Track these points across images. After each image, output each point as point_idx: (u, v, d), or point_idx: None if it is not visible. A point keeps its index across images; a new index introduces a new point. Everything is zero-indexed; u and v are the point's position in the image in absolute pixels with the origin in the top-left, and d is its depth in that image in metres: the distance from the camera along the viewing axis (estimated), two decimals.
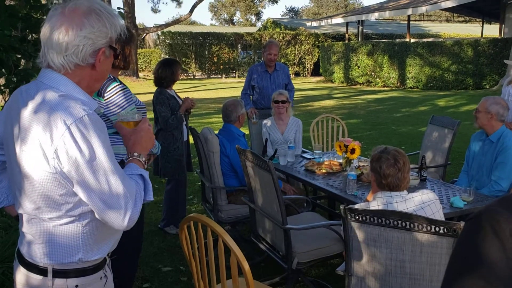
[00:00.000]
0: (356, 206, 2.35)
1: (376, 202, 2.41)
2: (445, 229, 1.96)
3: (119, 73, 3.10)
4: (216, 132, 4.29)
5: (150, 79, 22.92)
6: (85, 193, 1.35)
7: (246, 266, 1.86)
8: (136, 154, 1.54)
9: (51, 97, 1.37)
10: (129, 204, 1.37)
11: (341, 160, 4.19)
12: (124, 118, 1.63)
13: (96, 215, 1.39)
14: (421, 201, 2.36)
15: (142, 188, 1.45)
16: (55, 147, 1.31)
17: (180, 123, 4.32)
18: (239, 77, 26.47)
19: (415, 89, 18.31)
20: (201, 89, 20.46)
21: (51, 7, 1.45)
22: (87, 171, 1.32)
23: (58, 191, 1.37)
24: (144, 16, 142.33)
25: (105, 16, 1.43)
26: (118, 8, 4.11)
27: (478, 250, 0.70)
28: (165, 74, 4.33)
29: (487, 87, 17.18)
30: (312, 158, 4.47)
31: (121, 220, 1.37)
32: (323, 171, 3.99)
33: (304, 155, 4.72)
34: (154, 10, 34.80)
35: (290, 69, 25.24)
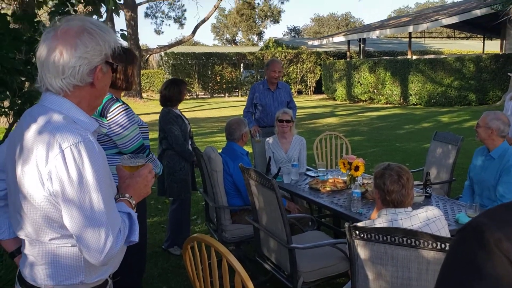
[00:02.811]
0: (361, 224, 2.33)
1: (381, 220, 2.39)
2: None
3: (122, 94, 3.13)
4: (219, 151, 4.29)
5: (153, 100, 23.10)
6: (67, 213, 1.33)
7: (250, 286, 1.83)
8: (127, 195, 1.51)
9: (52, 120, 1.38)
10: (109, 237, 1.32)
11: (345, 178, 4.17)
12: (125, 162, 1.63)
13: (74, 238, 1.35)
14: (426, 217, 2.34)
15: (127, 226, 1.42)
16: (49, 169, 1.32)
17: (190, 155, 4.35)
18: (242, 96, 26.60)
19: (418, 106, 18.33)
20: (204, 108, 20.56)
21: (44, 29, 1.46)
22: (72, 191, 1.31)
23: (55, 214, 1.37)
24: (147, 38, 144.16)
25: (98, 34, 1.43)
26: (121, 30, 4.16)
27: (465, 262, 0.72)
28: (172, 93, 4.37)
29: (490, 102, 17.18)
30: (316, 176, 4.46)
31: (99, 251, 1.32)
32: (328, 189, 3.97)
33: (308, 173, 4.71)
34: (157, 32, 35.34)
35: (292, 87, 25.38)
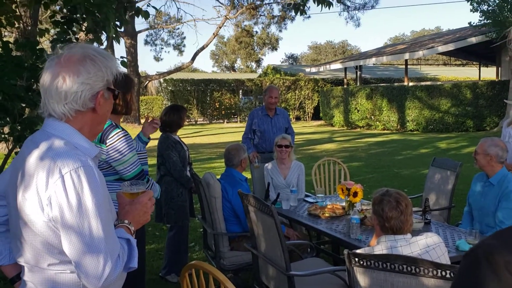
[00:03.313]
0: (360, 251, 2.31)
1: (380, 246, 2.37)
2: (451, 273, 1.92)
3: (121, 120, 3.15)
4: (218, 177, 4.29)
5: None
6: (66, 239, 1.33)
7: None
8: (126, 221, 1.52)
9: (53, 145, 1.40)
10: (108, 263, 1.32)
11: (344, 204, 4.16)
12: (125, 189, 1.64)
13: (73, 265, 1.34)
14: (425, 244, 2.33)
15: (126, 252, 1.43)
16: (49, 194, 1.33)
17: (188, 181, 4.35)
18: (240, 121, 26.72)
19: (415, 132, 18.41)
20: (203, 134, 20.61)
21: (48, 57, 1.50)
22: (71, 217, 1.32)
23: (55, 239, 1.37)
24: (146, 64, 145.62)
25: (100, 60, 1.47)
26: (121, 57, 4.22)
27: (475, 284, 0.72)
28: (173, 119, 4.40)
29: (488, 128, 17.28)
30: (315, 202, 4.45)
31: (97, 277, 1.31)
32: (326, 215, 3.95)
33: (307, 199, 4.70)
34: (157, 59, 35.77)
35: (290, 113, 25.52)
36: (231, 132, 20.45)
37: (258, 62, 56.81)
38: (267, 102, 5.77)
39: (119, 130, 2.80)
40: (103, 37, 4.69)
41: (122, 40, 20.06)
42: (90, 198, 1.33)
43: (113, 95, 1.53)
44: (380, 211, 2.40)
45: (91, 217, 1.32)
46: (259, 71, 48.15)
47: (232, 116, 28.26)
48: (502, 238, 0.74)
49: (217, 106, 27.50)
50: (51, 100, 1.43)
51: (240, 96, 28.47)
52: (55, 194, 1.32)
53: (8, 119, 3.35)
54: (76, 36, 4.30)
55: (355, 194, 3.91)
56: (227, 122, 27.43)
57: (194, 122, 27.21)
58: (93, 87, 1.45)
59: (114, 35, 4.16)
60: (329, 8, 5.24)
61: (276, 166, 4.98)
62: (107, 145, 2.76)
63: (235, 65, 60.09)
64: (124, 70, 4.12)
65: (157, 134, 4.55)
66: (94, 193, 1.34)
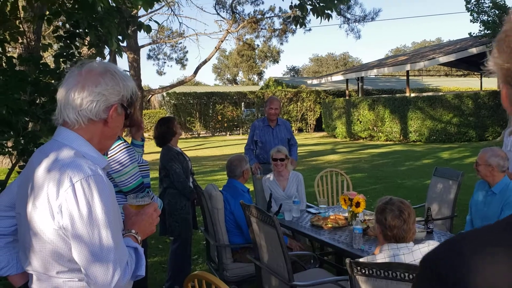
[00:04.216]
0: (362, 260, 2.31)
1: (382, 255, 2.37)
2: None
3: (124, 133, 3.18)
4: (221, 188, 4.29)
5: None
6: (76, 247, 1.35)
7: None
8: (133, 231, 1.55)
9: (63, 155, 1.43)
10: (117, 270, 1.35)
11: (346, 214, 4.15)
12: (131, 201, 1.67)
13: (81, 272, 1.37)
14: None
15: (134, 261, 1.45)
16: (60, 203, 1.35)
17: (190, 192, 4.36)
18: (243, 134, 26.77)
19: (418, 143, 18.39)
20: (205, 146, 20.64)
21: (67, 70, 1.55)
22: (81, 226, 1.34)
23: (64, 247, 1.39)
24: (149, 78, 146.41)
25: (119, 77, 1.53)
26: (124, 71, 4.26)
27: None
28: (163, 129, 4.43)
29: (490, 138, 17.25)
30: (318, 213, 4.44)
31: (106, 285, 1.33)
32: (329, 225, 3.94)
33: (310, 209, 4.69)
34: (159, 73, 35.99)
35: (293, 125, 25.55)
36: (234, 144, 20.47)
37: (260, 74, 57.08)
38: (268, 113, 5.81)
39: (121, 142, 2.83)
40: (106, 51, 4.74)
41: (124, 55, 20.23)
42: (100, 207, 1.36)
43: (125, 113, 1.57)
44: (383, 220, 2.40)
45: (101, 226, 1.35)
46: (261, 83, 48.33)
47: (235, 128, 28.33)
48: (449, 246, 0.71)
49: (220, 119, 27.60)
50: (67, 107, 1.47)
51: (242, 108, 28.57)
52: (66, 203, 1.35)
53: (11, 133, 3.38)
54: (79, 51, 4.35)
55: (358, 205, 3.91)
56: (229, 135, 27.49)
57: (196, 135, 27.28)
58: (108, 99, 1.49)
59: (116, 49, 4.21)
60: (328, 20, 5.28)
61: (274, 178, 4.96)
62: (109, 156, 2.78)
63: (237, 78, 60.39)
64: None
65: (158, 148, 4.58)
66: (104, 202, 1.37)
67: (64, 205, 1.35)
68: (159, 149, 4.56)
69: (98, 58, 4.35)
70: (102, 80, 1.49)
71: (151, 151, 17.20)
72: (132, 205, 1.66)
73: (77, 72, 1.50)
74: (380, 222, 2.43)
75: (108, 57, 5.17)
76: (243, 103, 28.60)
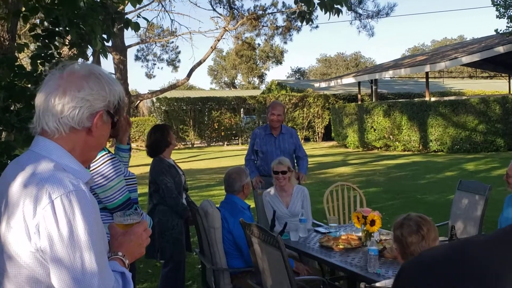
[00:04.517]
0: (379, 284, 2.30)
1: None
2: None
3: (109, 144, 3.17)
4: (218, 205, 4.29)
5: (143, 150, 23.22)
6: (55, 272, 1.34)
7: None
8: (120, 253, 1.54)
9: (41, 168, 1.42)
10: None
11: (360, 234, 4.14)
12: (118, 220, 1.67)
13: None
14: None
15: (120, 287, 1.45)
16: (37, 222, 1.34)
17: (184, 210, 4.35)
18: (242, 144, 26.79)
19: (439, 153, 18.39)
20: (200, 158, 20.65)
21: (46, 73, 1.55)
22: (61, 248, 1.33)
23: (42, 272, 1.38)
24: (137, 82, 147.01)
25: (105, 81, 1.53)
26: (110, 73, 4.27)
27: None
28: (157, 137, 4.42)
29: None
30: (327, 232, 4.42)
31: None
32: (341, 246, 3.93)
33: (318, 229, 4.67)
34: (149, 76, 36.01)
35: (299, 133, 25.55)
36: (232, 155, 20.48)
37: (261, 77, 57.28)
38: (269, 120, 5.78)
39: (104, 153, 2.83)
40: (89, 51, 4.76)
41: (110, 55, 20.31)
42: (83, 227, 1.35)
43: (112, 121, 1.57)
44: (400, 236, 2.40)
45: (84, 248, 1.34)
46: (263, 87, 48.48)
47: (233, 138, 28.37)
48: (416, 261, 0.83)
49: (216, 127, 27.64)
50: (46, 113, 1.47)
51: (242, 115, 28.63)
52: (44, 222, 1.33)
53: None
54: (58, 51, 4.37)
55: (373, 223, 3.89)
56: (227, 145, 27.51)
57: (190, 145, 27.31)
58: (93, 105, 1.49)
59: (101, 49, 4.23)
60: (338, 16, 5.29)
61: (276, 194, 4.93)
62: (91, 169, 2.78)
63: (236, 81, 60.58)
64: None
65: (149, 159, 4.58)
66: (87, 221, 1.36)
67: (42, 225, 1.33)
68: (148, 161, 4.56)
69: (80, 60, 4.36)
70: (86, 84, 1.49)
71: (140, 163, 17.21)
72: (119, 224, 1.65)
73: (58, 75, 1.50)
74: (397, 239, 2.43)
75: (91, 58, 5.19)
76: (242, 109, 28.66)
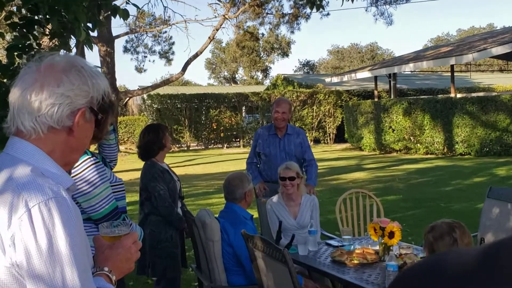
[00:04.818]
0: None
1: None
2: None
3: (94, 147, 3.18)
4: (217, 215, 4.28)
5: (133, 153, 23.29)
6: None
7: None
8: (106, 269, 1.54)
9: (17, 173, 1.41)
10: None
11: (377, 247, 4.13)
12: (104, 231, 1.66)
13: None
14: None
15: None
16: (12, 233, 1.34)
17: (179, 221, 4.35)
18: (244, 146, 26.83)
19: (466, 156, 18.36)
20: (197, 162, 20.67)
21: (23, 66, 1.53)
22: (39, 263, 1.32)
23: None
24: (126, 77, 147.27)
25: (87, 74, 1.52)
26: (95, 67, 4.29)
27: None
28: (150, 139, 4.43)
29: None
30: (340, 246, 4.42)
31: None
32: (355, 262, 3.92)
33: (330, 241, 4.67)
34: (139, 70, 36.00)
35: (307, 135, 25.52)
36: (233, 159, 20.50)
37: (265, 71, 57.38)
38: (274, 119, 5.75)
39: (88, 157, 2.83)
40: (72, 42, 4.77)
41: (95, 47, 20.37)
42: (64, 238, 1.34)
43: (96, 119, 1.56)
44: (430, 238, 2.39)
45: (65, 263, 1.33)
46: (267, 82, 48.60)
47: (234, 139, 28.42)
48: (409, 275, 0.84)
49: (215, 128, 27.68)
50: (22, 111, 1.46)
51: (243, 114, 28.65)
52: (20, 233, 1.33)
53: None
54: (38, 42, 4.38)
55: (391, 235, 3.88)
56: (227, 147, 27.56)
57: (185, 148, 27.35)
58: (74, 101, 1.48)
59: (85, 40, 4.24)
60: (352, 2, 5.30)
61: (282, 203, 4.91)
62: (73, 175, 2.77)
63: (237, 76, 60.75)
64: None
65: (139, 163, 4.58)
66: (69, 232, 1.35)
67: (17, 236, 1.33)
68: (139, 165, 4.57)
69: (62, 51, 4.37)
70: (66, 78, 1.48)
71: (129, 168, 17.24)
72: (105, 235, 1.65)
73: (35, 68, 1.50)
74: (427, 244, 2.42)
75: (74, 50, 5.21)
76: (244, 108, 28.69)
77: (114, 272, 1.54)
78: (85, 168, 2.80)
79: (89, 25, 4.50)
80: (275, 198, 4.93)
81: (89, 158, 2.84)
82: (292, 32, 28.07)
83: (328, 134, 27.78)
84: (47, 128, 1.47)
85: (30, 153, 1.47)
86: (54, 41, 4.49)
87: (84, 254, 1.40)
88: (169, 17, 39.99)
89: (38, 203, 1.34)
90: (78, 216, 1.42)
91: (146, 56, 32.70)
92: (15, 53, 4.09)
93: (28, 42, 4.18)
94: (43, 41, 5.07)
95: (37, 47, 4.28)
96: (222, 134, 27.90)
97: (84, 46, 4.39)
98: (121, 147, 25.69)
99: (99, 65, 22.77)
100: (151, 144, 4.43)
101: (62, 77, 1.48)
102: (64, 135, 1.51)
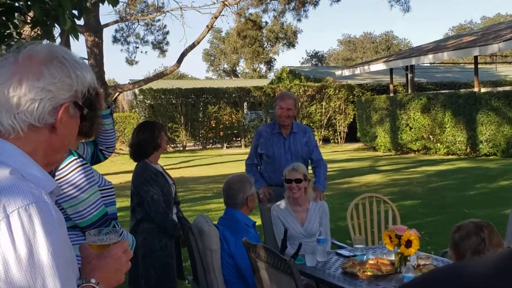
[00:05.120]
0: None
1: None
2: None
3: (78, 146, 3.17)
4: (216, 222, 4.29)
5: (124, 154, 23.32)
6: None
7: None
8: (93, 281, 1.53)
9: None
10: None
11: (392, 258, 4.13)
12: (92, 240, 1.67)
13: None
14: None
15: None
16: None
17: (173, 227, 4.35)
18: (245, 146, 26.81)
19: (491, 157, 18.34)
20: (194, 164, 20.69)
21: (0, 58, 1.53)
22: (18, 273, 1.32)
23: None
24: (116, 70, 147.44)
25: (70, 65, 1.52)
26: (81, 58, 4.29)
27: None
28: (144, 137, 4.42)
29: None
30: (352, 256, 4.42)
31: None
32: (368, 273, 3.92)
33: (340, 251, 4.67)
34: (130, 62, 35.92)
35: (316, 134, 25.55)
36: (233, 160, 20.49)
37: (269, 63, 57.40)
38: (278, 115, 5.71)
39: (74, 158, 2.82)
40: (56, 31, 4.78)
41: (81, 37, 20.39)
42: (46, 247, 1.34)
43: (80, 114, 1.56)
44: (456, 238, 2.39)
45: (47, 274, 1.33)
46: (271, 75, 48.62)
47: (234, 138, 28.44)
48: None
49: (213, 126, 27.69)
50: None
51: (245, 110, 28.66)
52: None
53: None
54: (18, 31, 4.39)
55: (409, 244, 3.88)
56: (227, 147, 27.58)
57: (181, 148, 27.37)
58: (56, 96, 1.48)
59: (70, 29, 4.25)
60: None
61: (289, 208, 4.91)
62: (57, 178, 2.77)
63: (238, 68, 60.78)
64: None
65: (131, 165, 4.58)
66: (51, 240, 1.35)
67: None
68: (130, 167, 4.57)
69: (45, 41, 4.38)
70: (47, 71, 1.47)
71: (119, 170, 17.27)
72: (93, 244, 1.65)
73: (13, 59, 1.50)
74: (453, 244, 2.42)
75: (58, 40, 5.22)
76: (245, 104, 28.71)
77: (102, 284, 1.54)
78: (71, 170, 2.79)
79: (75, 12, 4.50)
80: (282, 204, 4.91)
81: (76, 159, 2.83)
82: (299, 20, 28.12)
83: (338, 133, 27.79)
84: (27, 126, 1.47)
85: (8, 154, 1.47)
86: (36, 30, 4.50)
87: (68, 264, 1.40)
88: (163, 3, 39.98)
89: (17, 209, 1.34)
90: (61, 222, 1.43)
91: (138, 47, 32.64)
92: (15, 46, 4.10)
93: (7, 31, 4.19)
94: (23, 30, 5.08)
95: (17, 37, 4.29)
96: (221, 133, 27.90)
97: (69, 35, 4.39)
98: None
99: (86, 57, 22.80)
100: (145, 143, 4.42)
101: (43, 69, 1.47)
102: (46, 133, 1.51)
